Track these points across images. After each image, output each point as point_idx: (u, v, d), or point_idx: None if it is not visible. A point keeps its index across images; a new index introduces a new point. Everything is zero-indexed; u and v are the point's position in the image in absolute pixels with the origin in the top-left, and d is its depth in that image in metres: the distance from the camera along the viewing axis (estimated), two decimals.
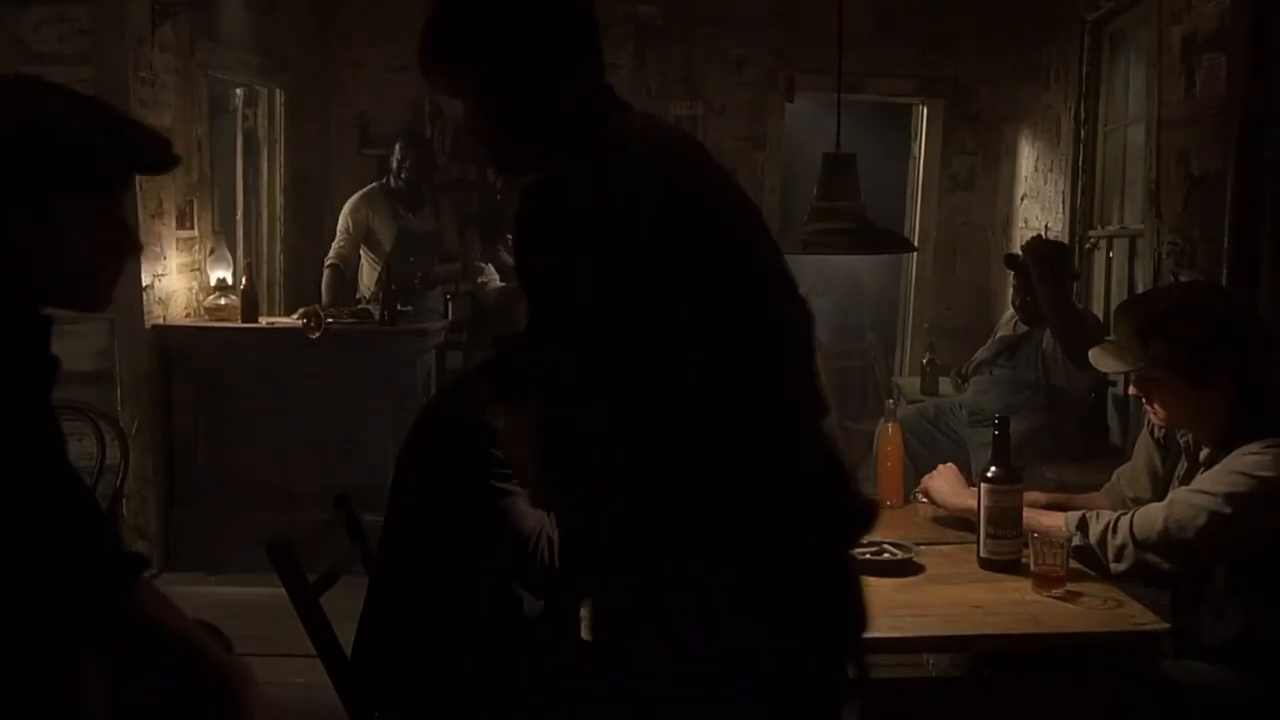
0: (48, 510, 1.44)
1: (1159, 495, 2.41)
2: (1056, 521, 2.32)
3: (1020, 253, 4.65)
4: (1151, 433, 2.54)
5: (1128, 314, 2.41)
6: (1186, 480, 2.31)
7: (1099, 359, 2.43)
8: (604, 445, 1.43)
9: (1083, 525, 2.27)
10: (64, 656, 1.44)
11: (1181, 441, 2.43)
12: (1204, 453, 2.31)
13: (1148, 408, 2.38)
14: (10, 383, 1.42)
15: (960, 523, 2.58)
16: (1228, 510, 2.13)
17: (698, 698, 1.46)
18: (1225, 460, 2.20)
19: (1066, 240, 5.71)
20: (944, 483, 2.67)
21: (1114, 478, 2.64)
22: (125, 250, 1.55)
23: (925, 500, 2.74)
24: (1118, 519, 2.24)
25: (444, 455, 2.16)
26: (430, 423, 2.26)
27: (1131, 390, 2.41)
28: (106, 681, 1.50)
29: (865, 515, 1.60)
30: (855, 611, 1.60)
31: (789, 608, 1.48)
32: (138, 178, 1.72)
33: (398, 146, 5.78)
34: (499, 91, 1.56)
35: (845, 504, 1.55)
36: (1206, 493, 2.17)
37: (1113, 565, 2.23)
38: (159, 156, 1.56)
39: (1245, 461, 2.16)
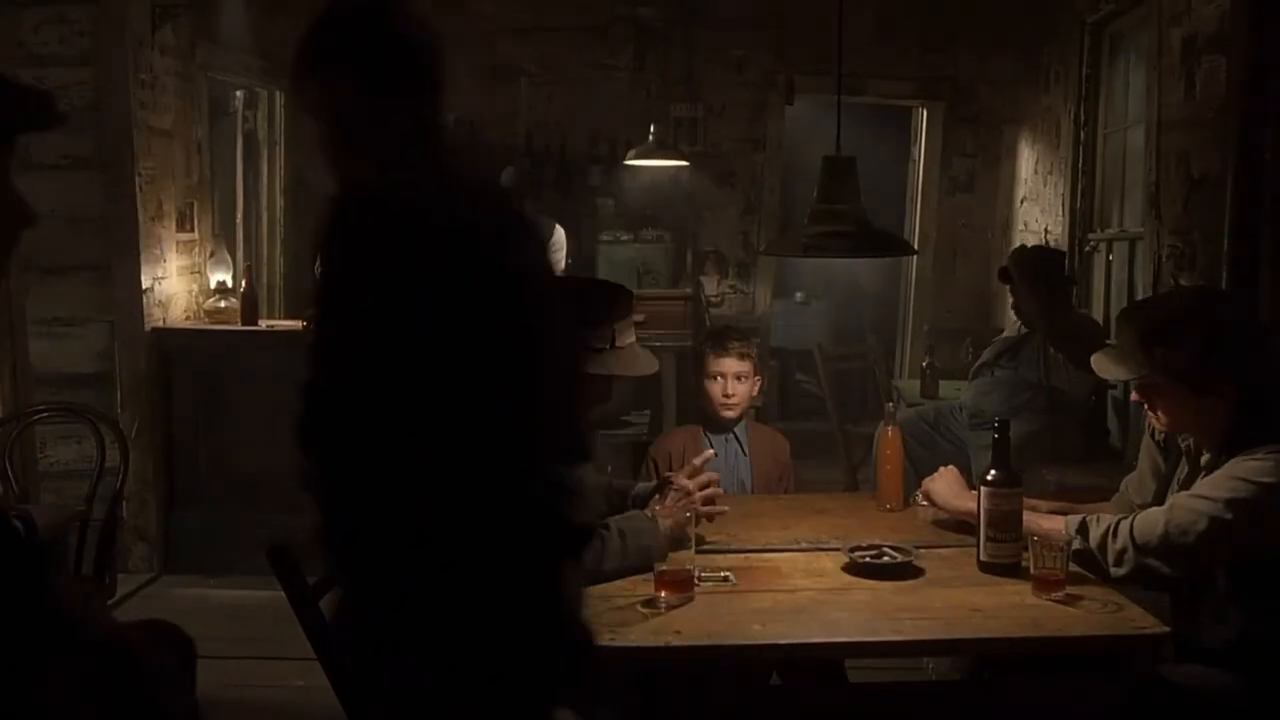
0: None
1: (1164, 497, 2.41)
2: (1056, 525, 2.32)
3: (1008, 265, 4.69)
4: (1152, 435, 2.54)
5: (1130, 321, 2.40)
6: (1187, 484, 2.31)
7: (1101, 365, 2.42)
8: (349, 453, 1.61)
9: (1083, 529, 2.27)
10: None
11: (1183, 445, 2.42)
12: (1205, 457, 2.31)
13: (1149, 414, 2.38)
14: None
15: (960, 526, 2.57)
16: (1228, 516, 2.13)
17: (414, 693, 1.60)
18: (1226, 466, 2.20)
19: (1066, 243, 5.72)
20: (945, 485, 2.67)
21: (1123, 487, 2.63)
22: (16, 219, 1.41)
23: (925, 503, 2.74)
24: (1118, 523, 2.24)
25: None
26: None
27: (1134, 397, 2.40)
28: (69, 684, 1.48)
29: (575, 538, 1.73)
30: (566, 626, 1.73)
31: (497, 617, 1.61)
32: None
33: None
34: (334, 114, 1.78)
35: (558, 529, 1.68)
36: (1207, 498, 2.17)
37: (1113, 569, 2.22)
38: (42, 113, 1.44)
39: (1246, 467, 2.16)
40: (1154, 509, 2.27)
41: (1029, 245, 5.43)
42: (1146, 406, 2.36)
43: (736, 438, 3.21)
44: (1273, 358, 2.31)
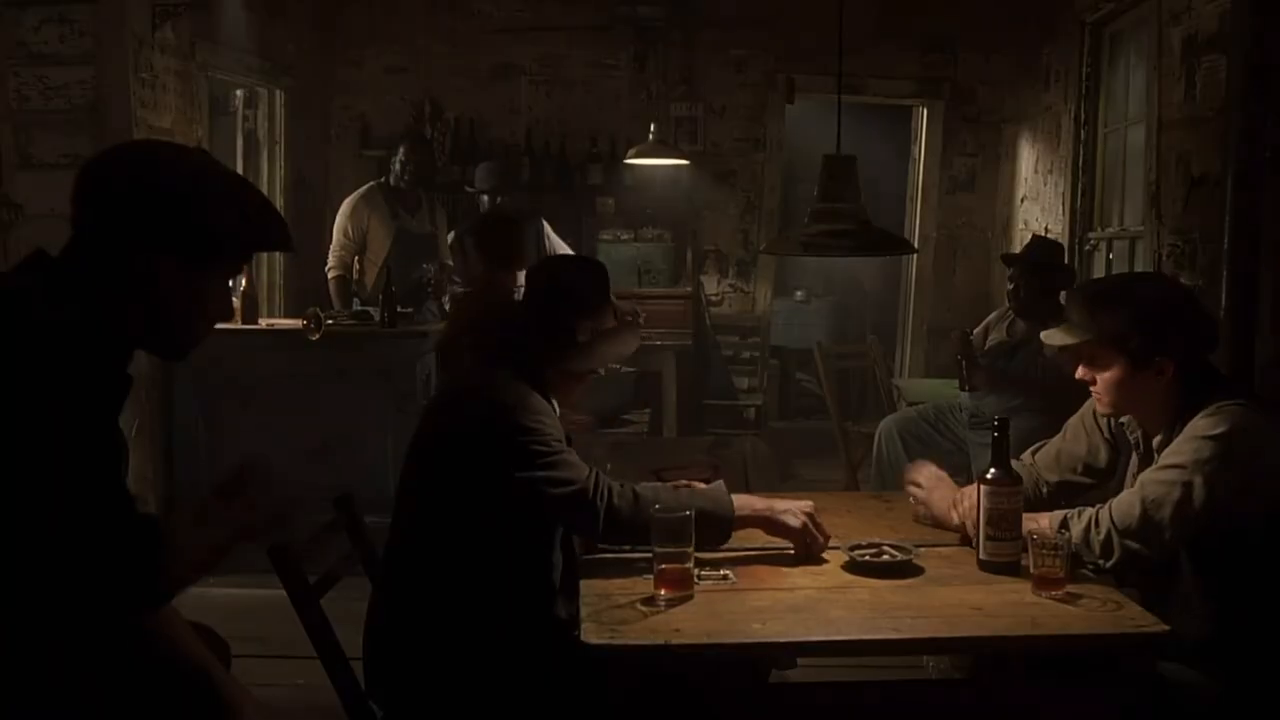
0: (93, 521, 1.53)
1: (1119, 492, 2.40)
2: None
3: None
4: (1098, 423, 2.56)
5: (1079, 290, 2.49)
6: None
7: (1050, 336, 2.48)
8: None
9: (1065, 526, 2.28)
10: (73, 660, 1.47)
11: (1132, 438, 2.45)
12: (1156, 440, 2.35)
13: (1093, 391, 2.41)
14: (93, 406, 1.55)
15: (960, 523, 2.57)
16: (1198, 476, 2.16)
17: None
18: (1181, 434, 2.24)
19: (1066, 241, 5.72)
20: (939, 498, 2.62)
21: (1026, 457, 2.67)
22: (222, 314, 1.80)
23: (919, 507, 2.69)
24: (1096, 513, 2.26)
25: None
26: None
27: (1079, 373, 2.43)
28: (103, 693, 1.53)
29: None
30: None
31: None
32: None
33: (402, 149, 5.73)
34: None
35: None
36: (1173, 466, 2.20)
37: (1102, 561, 2.23)
38: (282, 242, 1.79)
39: (1199, 426, 2.21)
40: (1127, 492, 2.29)
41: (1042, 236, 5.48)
42: (1090, 384, 2.40)
43: None
44: (1213, 346, 2.35)
